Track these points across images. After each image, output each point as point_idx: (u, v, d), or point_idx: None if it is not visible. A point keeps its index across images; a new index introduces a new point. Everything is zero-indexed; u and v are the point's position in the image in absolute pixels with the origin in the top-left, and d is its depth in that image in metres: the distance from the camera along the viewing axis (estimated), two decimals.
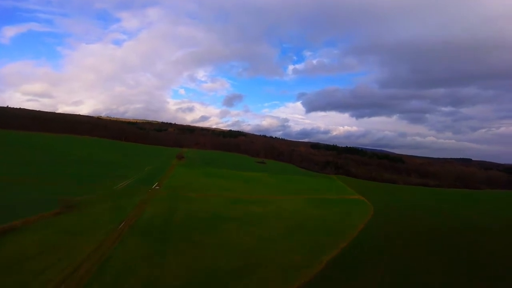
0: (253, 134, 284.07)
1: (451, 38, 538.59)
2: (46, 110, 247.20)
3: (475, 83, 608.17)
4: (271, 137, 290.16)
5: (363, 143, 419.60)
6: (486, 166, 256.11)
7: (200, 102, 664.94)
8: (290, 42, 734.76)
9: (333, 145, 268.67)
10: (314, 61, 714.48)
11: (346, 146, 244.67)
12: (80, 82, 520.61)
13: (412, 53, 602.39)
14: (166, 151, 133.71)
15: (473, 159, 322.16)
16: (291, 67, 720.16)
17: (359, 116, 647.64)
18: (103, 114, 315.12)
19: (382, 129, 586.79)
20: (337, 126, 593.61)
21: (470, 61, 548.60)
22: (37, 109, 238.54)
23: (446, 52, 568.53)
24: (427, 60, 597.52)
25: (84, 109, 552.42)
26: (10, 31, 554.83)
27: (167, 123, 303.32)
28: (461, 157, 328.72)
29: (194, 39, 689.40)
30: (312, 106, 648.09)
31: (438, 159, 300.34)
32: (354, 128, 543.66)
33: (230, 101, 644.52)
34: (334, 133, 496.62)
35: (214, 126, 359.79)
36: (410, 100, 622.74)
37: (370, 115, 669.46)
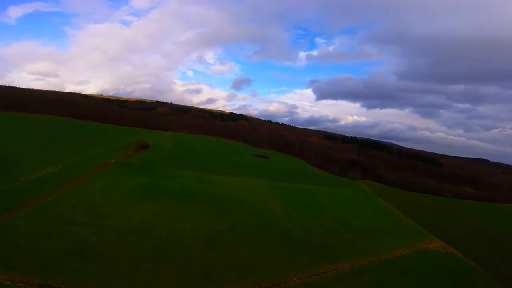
0: (257, 119, 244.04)
1: (478, 34, 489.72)
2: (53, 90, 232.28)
3: (497, 82, 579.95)
4: (277, 123, 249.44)
5: (371, 134, 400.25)
6: (503, 169, 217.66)
7: (208, 84, 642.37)
8: (304, 27, 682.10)
9: (352, 136, 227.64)
10: (330, 48, 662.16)
11: (368, 139, 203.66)
12: (87, 62, 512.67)
13: (436, 46, 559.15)
14: (126, 135, 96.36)
15: (490, 160, 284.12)
16: (302, 53, 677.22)
17: (370, 106, 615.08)
18: (110, 94, 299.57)
19: (392, 121, 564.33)
20: (346, 115, 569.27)
21: (495, 59, 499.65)
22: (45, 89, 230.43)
23: (471, 48, 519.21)
24: (450, 55, 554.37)
25: (90, 89, 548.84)
26: (16, 11, 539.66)
27: (159, 102, 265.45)
28: (475, 157, 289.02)
29: (204, 19, 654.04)
30: (322, 94, 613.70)
31: (451, 157, 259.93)
32: (363, 119, 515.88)
33: (238, 84, 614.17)
34: (342, 122, 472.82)
35: (220, 109, 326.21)
36: (426, 94, 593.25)
37: (382, 106, 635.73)
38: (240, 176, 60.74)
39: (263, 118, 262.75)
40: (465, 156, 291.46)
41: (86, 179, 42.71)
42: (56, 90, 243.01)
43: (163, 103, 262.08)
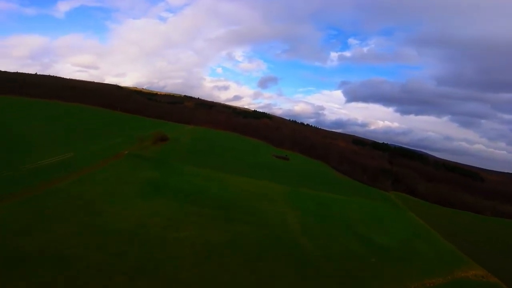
0: (281, 118, 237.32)
1: None
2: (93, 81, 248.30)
3: None
4: (302, 123, 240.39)
5: (402, 141, 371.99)
6: None
7: (235, 82, 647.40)
8: (337, 27, 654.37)
9: (383, 142, 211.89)
10: (365, 49, 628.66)
11: (401, 146, 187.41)
12: (125, 55, 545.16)
13: (484, 51, 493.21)
14: (148, 127, 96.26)
15: None
16: (333, 53, 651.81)
17: (404, 112, 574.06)
18: (145, 87, 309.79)
19: (427, 129, 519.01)
20: (377, 120, 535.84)
21: None
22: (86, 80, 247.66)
23: None
24: (500, 62, 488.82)
25: (127, 81, 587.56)
26: (65, 6, 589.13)
27: (187, 96, 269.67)
28: None
29: (235, 17, 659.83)
30: (353, 96, 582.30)
31: (493, 172, 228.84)
32: (395, 124, 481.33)
33: (264, 83, 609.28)
34: (372, 127, 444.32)
35: (245, 106, 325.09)
36: (468, 102, 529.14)
37: (417, 112, 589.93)
38: (255, 177, 56.07)
39: (287, 118, 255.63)
40: (507, 171, 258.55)
41: (93, 170, 40.93)
42: (96, 81, 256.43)
43: (190, 97, 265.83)
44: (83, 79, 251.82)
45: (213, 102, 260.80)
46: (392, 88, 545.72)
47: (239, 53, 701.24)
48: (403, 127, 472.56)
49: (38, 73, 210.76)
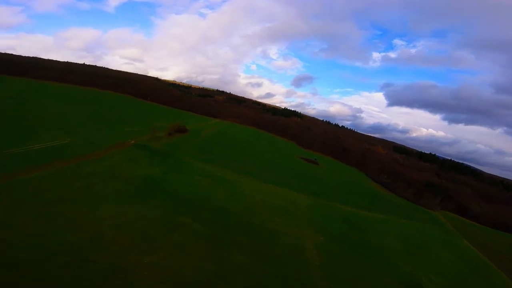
0: (313, 118, 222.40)
1: None
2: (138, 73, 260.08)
3: None
4: (336, 125, 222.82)
5: (447, 152, 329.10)
6: None
7: (269, 79, 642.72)
8: (382, 27, 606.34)
9: (431, 153, 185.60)
10: (413, 51, 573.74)
11: (451, 159, 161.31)
12: (167, 50, 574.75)
13: None
14: (171, 117, 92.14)
15: None
16: (376, 54, 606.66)
17: (453, 120, 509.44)
18: (184, 81, 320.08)
19: (476, 141, 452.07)
20: (420, 127, 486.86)
21: None
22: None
23: None
24: None
25: (168, 75, 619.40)
26: (115, 0, 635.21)
27: (219, 91, 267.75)
28: None
29: (272, 14, 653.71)
30: (396, 100, 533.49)
31: None
32: (441, 133, 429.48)
33: (298, 81, 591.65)
34: (414, 134, 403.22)
35: (277, 104, 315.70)
36: None
37: (468, 122, 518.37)
38: (274, 183, 47.31)
39: (320, 118, 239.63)
40: None
41: (85, 159, 35.81)
42: (139, 73, 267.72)
43: (222, 92, 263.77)
44: (129, 71, 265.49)
45: (243, 97, 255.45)
46: (441, 94, 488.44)
47: (274, 51, 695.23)
48: (449, 137, 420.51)
49: (85, 63, 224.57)
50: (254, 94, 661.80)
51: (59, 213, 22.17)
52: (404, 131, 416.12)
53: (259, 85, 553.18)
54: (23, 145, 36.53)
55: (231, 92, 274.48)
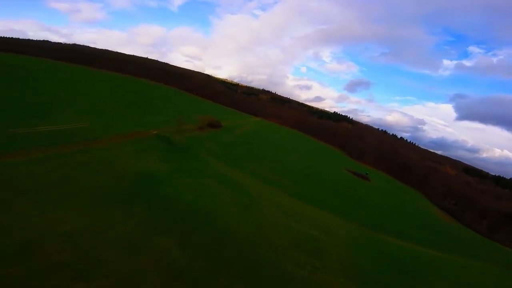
0: (366, 125, 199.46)
1: None
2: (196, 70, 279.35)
3: None
4: (394, 135, 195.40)
5: None
6: None
7: (319, 82, 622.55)
8: (455, 32, 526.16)
9: (511, 178, 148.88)
10: (494, 60, 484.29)
11: None
12: (222, 49, 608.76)
13: None
14: (209, 111, 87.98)
15: None
16: (447, 61, 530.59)
17: None
18: (235, 80, 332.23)
19: None
20: (493, 146, 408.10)
21: None
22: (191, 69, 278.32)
23: None
24: None
25: (222, 74, 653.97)
26: (179, 0, 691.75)
27: (265, 90, 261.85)
28: None
29: (326, 15, 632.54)
30: (467, 113, 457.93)
31: None
32: None
33: (353, 86, 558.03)
34: (484, 155, 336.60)
35: (327, 109, 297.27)
36: None
37: None
38: (307, 201, 37.30)
39: (375, 127, 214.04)
40: None
41: (88, 147, 31.64)
42: (196, 70, 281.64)
43: (267, 91, 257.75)
44: (188, 68, 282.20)
45: (288, 98, 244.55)
46: None
47: (326, 53, 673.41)
48: None
49: (148, 57, 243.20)
50: (302, 96, 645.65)
51: (9, 208, 16.93)
52: (473, 150, 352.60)
53: (308, 87, 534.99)
54: (36, 125, 34.36)
55: (277, 93, 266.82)
